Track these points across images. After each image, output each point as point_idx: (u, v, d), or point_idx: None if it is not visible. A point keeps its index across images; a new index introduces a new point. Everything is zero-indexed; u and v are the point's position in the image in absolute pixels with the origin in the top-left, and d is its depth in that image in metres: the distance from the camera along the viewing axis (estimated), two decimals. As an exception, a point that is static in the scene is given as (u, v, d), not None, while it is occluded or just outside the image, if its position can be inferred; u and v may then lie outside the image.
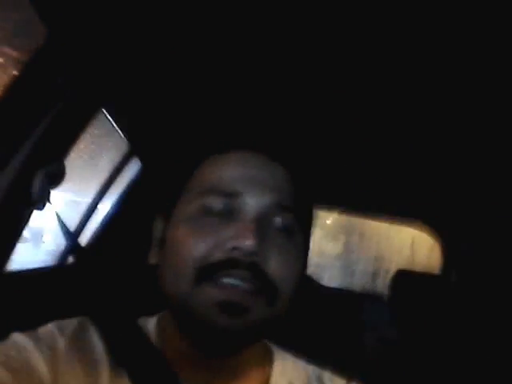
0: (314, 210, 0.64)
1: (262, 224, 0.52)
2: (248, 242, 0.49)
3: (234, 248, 0.50)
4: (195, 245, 0.51)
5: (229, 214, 0.53)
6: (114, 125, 1.10)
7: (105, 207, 1.42)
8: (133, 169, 1.36)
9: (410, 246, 3.82)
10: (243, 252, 0.49)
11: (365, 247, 4.12)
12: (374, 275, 3.88)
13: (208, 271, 0.50)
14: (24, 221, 0.82)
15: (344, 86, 0.90)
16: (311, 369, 0.62)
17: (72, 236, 0.74)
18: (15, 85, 0.76)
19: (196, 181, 0.56)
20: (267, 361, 0.60)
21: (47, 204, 0.79)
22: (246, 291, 0.49)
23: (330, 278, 3.56)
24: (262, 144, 0.58)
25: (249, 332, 0.51)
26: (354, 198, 1.66)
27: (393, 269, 1.77)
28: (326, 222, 3.90)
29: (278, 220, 0.54)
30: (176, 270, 0.52)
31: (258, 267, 0.50)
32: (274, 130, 0.66)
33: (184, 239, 0.52)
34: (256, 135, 0.60)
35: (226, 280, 0.50)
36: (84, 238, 1.38)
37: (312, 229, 0.63)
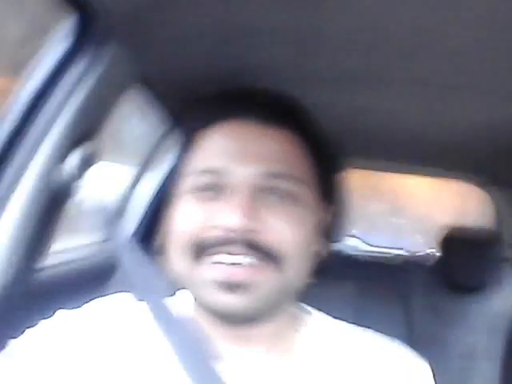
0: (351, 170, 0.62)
1: (256, 195, 0.51)
2: (235, 220, 0.49)
3: (225, 226, 0.50)
4: (187, 222, 0.52)
5: (219, 190, 0.52)
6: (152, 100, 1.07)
7: (145, 187, 1.42)
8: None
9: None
10: (233, 230, 0.49)
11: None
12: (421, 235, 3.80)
13: (203, 248, 0.50)
14: (61, 206, 0.81)
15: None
16: (352, 330, 0.61)
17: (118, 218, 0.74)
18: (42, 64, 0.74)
19: (191, 157, 0.56)
20: (300, 325, 0.59)
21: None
22: (245, 266, 0.49)
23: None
24: (257, 111, 0.55)
25: (260, 306, 0.51)
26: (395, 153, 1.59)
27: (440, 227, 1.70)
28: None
29: (276, 188, 0.52)
30: (174, 247, 0.54)
31: (254, 241, 0.49)
32: (272, 94, 0.62)
33: (177, 217, 0.54)
34: (249, 102, 0.57)
35: (223, 257, 0.50)
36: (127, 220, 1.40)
37: (337, 194, 0.61)
